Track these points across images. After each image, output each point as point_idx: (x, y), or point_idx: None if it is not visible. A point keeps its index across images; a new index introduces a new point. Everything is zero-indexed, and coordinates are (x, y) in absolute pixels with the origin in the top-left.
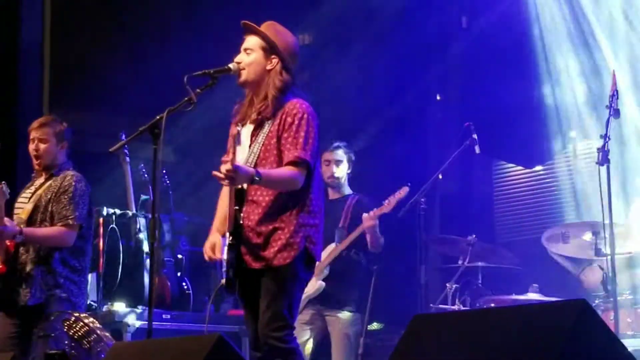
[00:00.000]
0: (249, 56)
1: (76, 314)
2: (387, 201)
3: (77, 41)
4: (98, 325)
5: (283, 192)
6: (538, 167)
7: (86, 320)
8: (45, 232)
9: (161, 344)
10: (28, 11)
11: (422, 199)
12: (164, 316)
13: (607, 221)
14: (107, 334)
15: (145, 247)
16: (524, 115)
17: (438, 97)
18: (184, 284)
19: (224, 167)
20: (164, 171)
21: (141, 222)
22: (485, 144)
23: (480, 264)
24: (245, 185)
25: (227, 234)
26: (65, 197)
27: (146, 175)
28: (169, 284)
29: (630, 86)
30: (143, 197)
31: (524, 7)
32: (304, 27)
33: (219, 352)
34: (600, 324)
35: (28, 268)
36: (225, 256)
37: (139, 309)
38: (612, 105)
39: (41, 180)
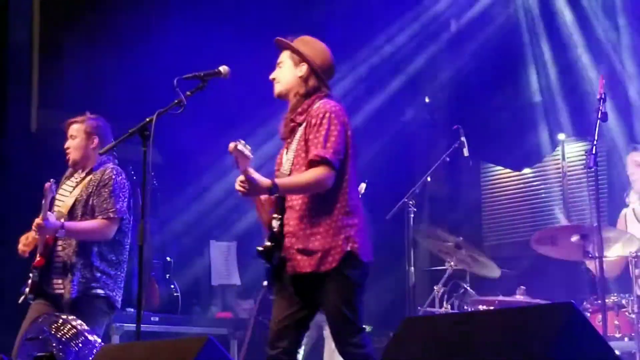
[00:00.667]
0: (281, 69)
1: (64, 316)
2: None
3: (66, 42)
4: (86, 327)
5: (315, 194)
6: (526, 170)
7: (74, 323)
8: (86, 225)
9: (149, 346)
10: (16, 11)
11: (411, 202)
12: (152, 318)
13: (595, 224)
14: (95, 337)
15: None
16: (512, 118)
17: (427, 100)
18: (172, 286)
19: (238, 179)
20: (152, 173)
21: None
22: (474, 147)
23: (467, 267)
24: None
25: (266, 240)
26: (106, 190)
27: (134, 178)
28: (157, 286)
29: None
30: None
31: (512, 11)
32: (296, 31)
33: (207, 354)
34: (588, 327)
35: (70, 261)
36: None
37: (128, 312)
38: (600, 109)
39: (82, 174)
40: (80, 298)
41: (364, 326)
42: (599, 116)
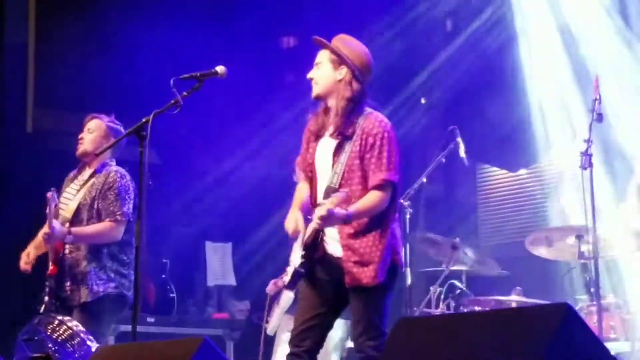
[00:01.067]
0: (319, 69)
1: (59, 317)
2: None
3: (62, 42)
4: (82, 328)
5: None
6: (522, 171)
7: (70, 324)
8: (93, 229)
9: (145, 347)
10: (12, 11)
11: (407, 203)
12: (148, 319)
13: (590, 225)
14: (91, 337)
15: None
16: (508, 119)
17: (423, 101)
18: (168, 287)
19: (318, 214)
20: (149, 173)
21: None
22: (470, 148)
23: (463, 267)
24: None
25: (299, 248)
26: (111, 193)
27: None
28: (153, 287)
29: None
30: None
31: (509, 11)
32: (288, 30)
33: (203, 355)
34: (584, 327)
35: (82, 266)
36: (296, 266)
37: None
38: (595, 109)
39: (85, 175)
40: (95, 300)
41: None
42: (594, 117)
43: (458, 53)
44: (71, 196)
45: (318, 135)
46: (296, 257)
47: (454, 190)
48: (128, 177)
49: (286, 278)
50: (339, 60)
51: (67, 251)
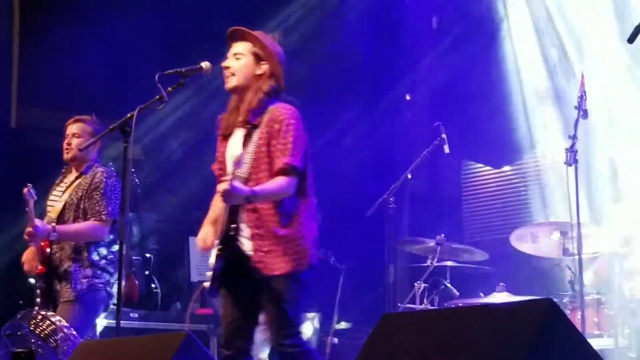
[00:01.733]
0: (239, 61)
1: (42, 312)
2: None
3: (46, 40)
4: (65, 323)
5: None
6: (506, 167)
7: (53, 319)
8: (78, 227)
9: (129, 342)
10: None
11: (391, 199)
12: (131, 315)
13: (575, 221)
14: (74, 333)
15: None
16: (492, 116)
17: (407, 97)
18: (152, 283)
19: (221, 187)
20: (133, 169)
21: None
22: (455, 144)
23: (448, 263)
24: None
25: (217, 242)
26: (97, 193)
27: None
28: (137, 282)
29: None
30: None
31: (493, 8)
32: (269, 28)
33: (186, 350)
34: (567, 323)
35: (65, 265)
36: (212, 263)
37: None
38: (581, 106)
39: (71, 178)
40: (81, 296)
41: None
42: (580, 114)
43: (443, 50)
44: (57, 198)
45: (228, 135)
46: (213, 258)
47: (438, 186)
48: (114, 177)
49: (207, 284)
50: (262, 55)
51: (54, 250)
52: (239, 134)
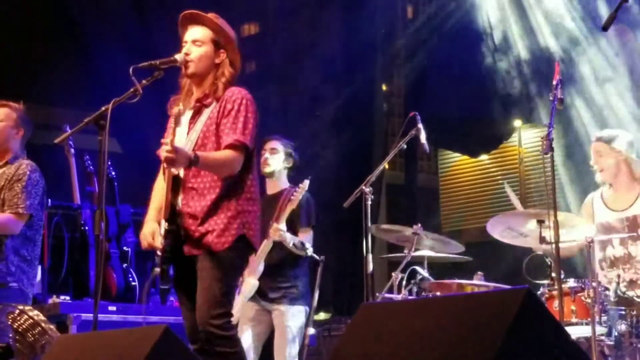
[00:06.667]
0: (200, 48)
1: (20, 307)
2: (289, 200)
3: (22, 33)
4: (43, 318)
5: (221, 177)
6: (483, 157)
7: (30, 313)
8: None
9: (107, 336)
10: None
11: (368, 189)
12: (109, 308)
13: (552, 210)
14: (52, 327)
15: (91, 239)
16: (469, 105)
17: (384, 88)
18: (129, 276)
19: (164, 148)
20: (110, 163)
21: (86, 214)
22: (431, 134)
23: (426, 253)
24: (181, 173)
25: (163, 222)
26: (19, 185)
27: (91, 167)
28: (114, 276)
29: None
30: (88, 188)
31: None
32: (250, 17)
33: (165, 343)
34: (544, 312)
35: None
36: (160, 245)
37: (85, 301)
38: (556, 94)
39: None
40: None
41: (231, 312)
42: (555, 101)
43: (419, 40)
44: None
45: (177, 116)
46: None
47: (415, 176)
48: (39, 172)
49: (157, 270)
50: (221, 42)
51: None
52: (187, 115)
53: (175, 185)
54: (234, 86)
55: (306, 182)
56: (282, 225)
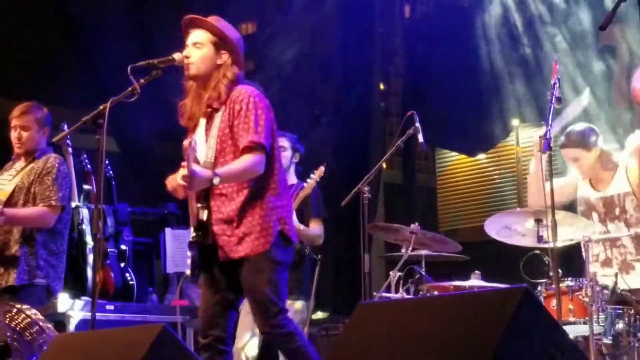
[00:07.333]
0: (200, 50)
1: (18, 306)
2: (305, 184)
3: (19, 32)
4: (40, 316)
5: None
6: (481, 156)
7: (28, 312)
8: (27, 212)
9: (105, 335)
10: None
11: (366, 188)
12: (107, 307)
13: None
14: (50, 326)
15: (89, 238)
16: (467, 104)
17: (381, 87)
18: (127, 274)
19: (180, 173)
20: (107, 162)
21: (84, 213)
22: (429, 133)
23: (423, 252)
24: None
25: (191, 230)
26: (49, 178)
27: (89, 166)
28: (112, 275)
29: None
30: (86, 187)
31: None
32: (247, 16)
33: (163, 342)
34: (542, 311)
35: (13, 249)
36: (189, 252)
37: (82, 300)
38: (554, 93)
39: (22, 163)
40: (22, 286)
41: (285, 307)
42: (553, 100)
43: (417, 39)
44: (7, 181)
45: (194, 126)
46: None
47: (413, 175)
48: (66, 164)
49: (188, 272)
50: (222, 44)
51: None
52: (202, 123)
53: (204, 194)
54: (240, 85)
55: (321, 169)
56: (294, 219)
